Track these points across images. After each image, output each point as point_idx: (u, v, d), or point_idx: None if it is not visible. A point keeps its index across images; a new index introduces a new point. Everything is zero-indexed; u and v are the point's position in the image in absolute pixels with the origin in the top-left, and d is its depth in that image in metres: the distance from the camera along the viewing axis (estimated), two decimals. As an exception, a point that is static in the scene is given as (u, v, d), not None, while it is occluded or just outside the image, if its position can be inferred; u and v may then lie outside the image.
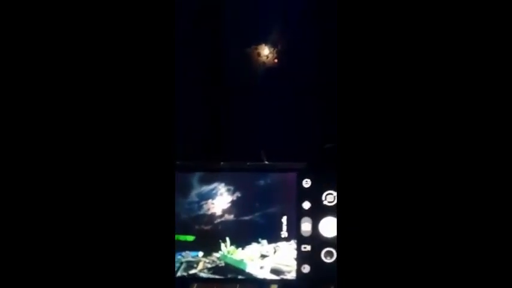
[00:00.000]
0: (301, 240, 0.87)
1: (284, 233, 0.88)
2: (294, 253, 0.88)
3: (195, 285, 0.88)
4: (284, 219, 0.88)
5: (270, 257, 0.90)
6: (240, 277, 0.90)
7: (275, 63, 0.97)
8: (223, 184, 0.90)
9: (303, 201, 0.87)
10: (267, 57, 0.98)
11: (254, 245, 0.90)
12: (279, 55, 0.96)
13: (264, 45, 0.98)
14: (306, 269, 0.87)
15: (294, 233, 0.87)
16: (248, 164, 0.90)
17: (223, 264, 0.92)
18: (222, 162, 0.91)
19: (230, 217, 0.90)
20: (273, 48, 0.97)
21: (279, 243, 0.89)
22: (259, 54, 0.98)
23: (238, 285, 0.92)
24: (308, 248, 0.87)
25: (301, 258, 0.87)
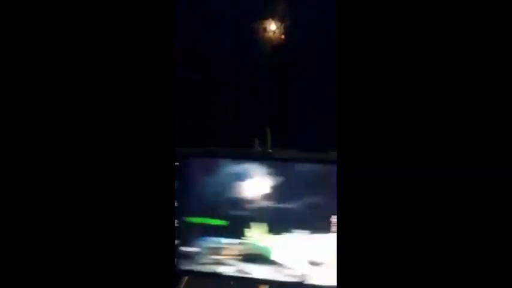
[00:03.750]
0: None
1: (326, 235, 0.83)
2: (327, 246, 0.82)
3: (186, 277, 0.85)
4: (334, 218, 0.81)
5: (300, 247, 0.84)
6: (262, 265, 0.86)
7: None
8: (262, 169, 0.83)
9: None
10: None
11: (285, 234, 0.85)
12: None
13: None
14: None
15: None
16: (299, 153, 0.83)
17: (249, 251, 0.87)
18: (270, 150, 0.85)
19: (264, 204, 0.84)
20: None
21: (312, 235, 0.83)
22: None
23: (232, 282, 0.88)
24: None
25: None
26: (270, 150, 0.89)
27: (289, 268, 0.87)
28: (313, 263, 0.85)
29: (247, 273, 0.87)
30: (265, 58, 0.92)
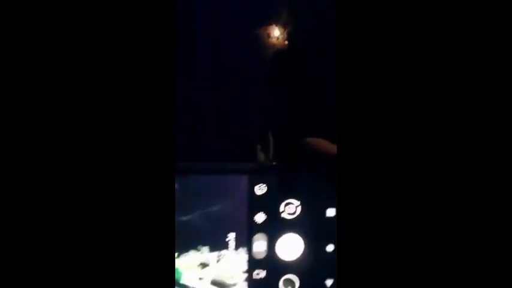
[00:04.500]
0: (253, 264, 0.71)
1: (231, 253, 0.72)
2: (240, 263, 0.72)
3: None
4: (232, 236, 0.71)
5: (212, 266, 0.74)
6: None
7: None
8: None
9: (256, 213, 0.70)
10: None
11: (192, 252, 0.73)
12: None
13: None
14: (260, 302, 0.71)
15: (244, 253, 0.72)
16: (186, 164, 0.71)
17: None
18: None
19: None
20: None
21: (223, 252, 0.72)
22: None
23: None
24: (262, 274, 0.71)
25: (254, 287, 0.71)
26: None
27: (200, 292, 0.77)
28: (221, 285, 0.75)
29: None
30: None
